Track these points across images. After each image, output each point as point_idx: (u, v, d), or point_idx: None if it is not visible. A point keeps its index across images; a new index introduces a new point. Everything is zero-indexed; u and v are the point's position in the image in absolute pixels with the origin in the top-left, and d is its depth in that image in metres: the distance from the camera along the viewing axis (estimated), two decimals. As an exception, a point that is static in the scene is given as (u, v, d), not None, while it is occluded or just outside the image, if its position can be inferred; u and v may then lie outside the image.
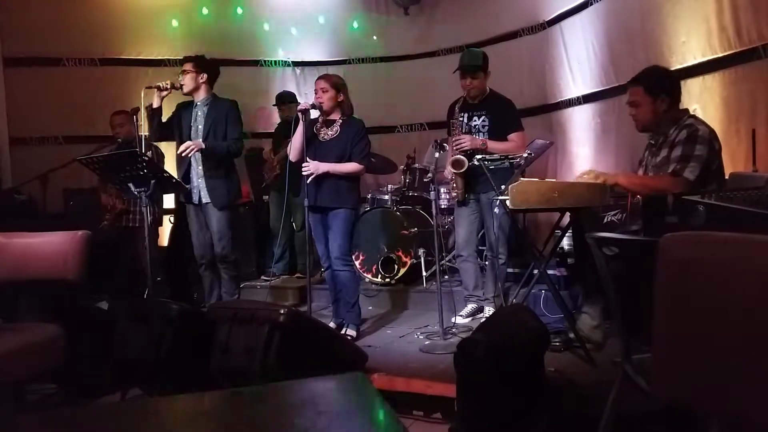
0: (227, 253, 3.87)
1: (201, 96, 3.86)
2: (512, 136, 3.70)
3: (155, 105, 3.71)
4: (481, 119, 3.75)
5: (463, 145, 3.64)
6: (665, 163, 2.74)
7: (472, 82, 3.69)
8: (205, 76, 3.84)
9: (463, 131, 3.75)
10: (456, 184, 3.80)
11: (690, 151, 2.64)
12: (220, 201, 3.82)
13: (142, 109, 3.69)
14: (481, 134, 3.73)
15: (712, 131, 2.73)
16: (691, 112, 3.04)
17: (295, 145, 3.53)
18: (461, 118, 3.79)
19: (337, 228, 3.54)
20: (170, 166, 4.24)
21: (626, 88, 2.95)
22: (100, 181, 4.47)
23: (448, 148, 3.80)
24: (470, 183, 3.77)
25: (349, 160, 3.53)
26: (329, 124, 3.61)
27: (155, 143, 4.28)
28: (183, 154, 3.71)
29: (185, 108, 3.91)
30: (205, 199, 3.82)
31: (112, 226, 4.45)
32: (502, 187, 3.07)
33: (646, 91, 2.81)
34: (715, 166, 2.70)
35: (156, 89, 3.68)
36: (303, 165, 3.48)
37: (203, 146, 3.74)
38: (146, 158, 3.16)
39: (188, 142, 3.73)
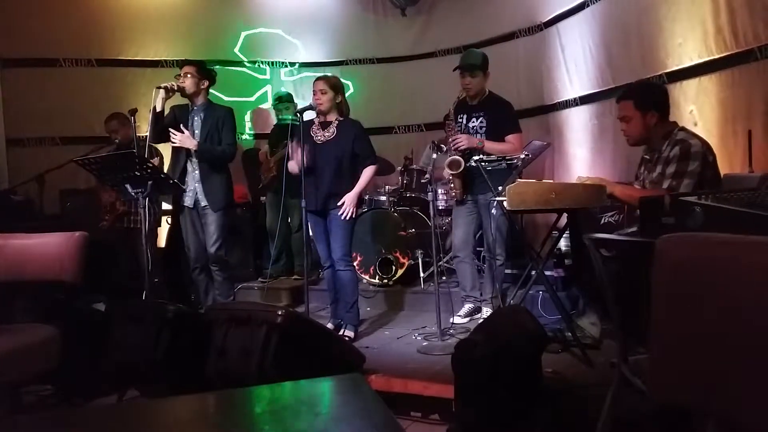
0: (220, 255, 3.87)
1: (199, 101, 3.87)
2: (509, 137, 3.72)
3: (159, 108, 3.71)
4: (478, 120, 3.77)
5: (461, 144, 3.66)
6: (661, 180, 2.77)
7: (471, 81, 3.72)
8: (206, 82, 3.87)
9: (462, 131, 3.76)
10: (454, 185, 3.80)
11: (684, 168, 2.67)
12: (218, 203, 3.83)
13: (160, 102, 3.67)
14: (478, 135, 3.75)
15: (704, 143, 2.75)
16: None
17: (297, 158, 3.52)
18: (460, 119, 3.81)
19: (338, 228, 3.55)
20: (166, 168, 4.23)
21: (617, 102, 2.97)
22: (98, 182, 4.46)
23: (445, 148, 3.81)
24: (468, 184, 3.78)
25: (349, 162, 3.54)
26: (325, 125, 3.61)
27: (154, 144, 4.27)
28: (177, 143, 3.76)
29: (181, 111, 3.90)
30: (203, 202, 3.83)
31: (112, 226, 4.44)
32: (500, 188, 3.07)
33: (636, 106, 2.84)
34: (709, 176, 2.72)
35: (164, 89, 3.68)
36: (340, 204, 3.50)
37: (196, 147, 3.75)
38: (147, 162, 3.16)
39: (184, 137, 3.74)
